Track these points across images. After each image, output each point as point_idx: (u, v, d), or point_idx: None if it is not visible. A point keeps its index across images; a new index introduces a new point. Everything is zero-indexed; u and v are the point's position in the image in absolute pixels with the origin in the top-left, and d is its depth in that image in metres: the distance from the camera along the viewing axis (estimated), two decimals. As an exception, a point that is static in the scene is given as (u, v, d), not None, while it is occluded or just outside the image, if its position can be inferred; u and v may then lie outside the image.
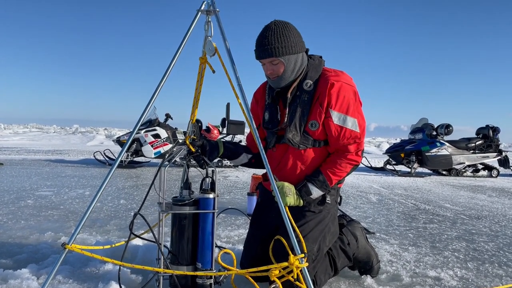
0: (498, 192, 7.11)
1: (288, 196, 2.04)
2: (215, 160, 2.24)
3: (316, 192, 2.09)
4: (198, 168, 2.14)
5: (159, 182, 2.02)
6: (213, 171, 2.02)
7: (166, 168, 2.02)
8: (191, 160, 2.14)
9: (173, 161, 2.11)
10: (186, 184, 2.03)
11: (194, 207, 1.98)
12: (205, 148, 2.15)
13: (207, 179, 2.02)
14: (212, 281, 1.99)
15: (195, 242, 2.00)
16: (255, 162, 2.37)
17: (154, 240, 2.08)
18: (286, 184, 2.07)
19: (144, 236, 2.86)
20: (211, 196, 1.99)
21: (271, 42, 2.00)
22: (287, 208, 1.92)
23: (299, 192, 2.08)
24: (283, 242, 1.98)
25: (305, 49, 2.14)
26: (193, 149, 2.10)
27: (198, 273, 1.95)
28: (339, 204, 2.32)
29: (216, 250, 2.13)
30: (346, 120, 2.04)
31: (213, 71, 2.14)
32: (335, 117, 2.04)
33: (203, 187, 2.02)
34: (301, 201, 2.08)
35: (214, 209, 1.99)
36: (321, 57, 2.21)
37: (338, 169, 2.07)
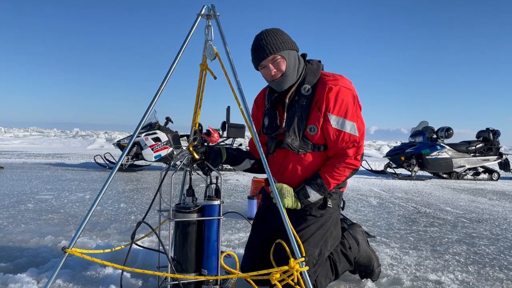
0: (499, 195, 7.10)
1: (286, 198, 2.04)
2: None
3: (314, 195, 2.09)
4: (202, 175, 2.14)
5: (159, 188, 2.02)
6: (217, 177, 2.02)
7: (167, 173, 2.02)
8: (194, 166, 2.14)
9: (178, 167, 2.11)
10: (190, 191, 2.03)
11: (199, 214, 1.98)
12: (208, 154, 2.15)
13: (212, 185, 2.02)
14: (217, 287, 1.99)
15: (200, 248, 2.00)
16: (257, 168, 2.37)
17: (157, 248, 2.08)
18: (284, 186, 2.07)
19: (146, 242, 2.85)
20: (216, 202, 1.99)
21: (269, 41, 2.02)
22: (285, 210, 1.92)
23: (297, 194, 2.08)
24: (284, 246, 1.97)
25: (298, 49, 2.15)
26: (197, 156, 2.10)
27: (203, 277, 1.95)
28: (342, 208, 2.31)
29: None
30: (344, 124, 2.04)
31: (215, 78, 2.15)
32: (333, 121, 2.04)
33: (208, 194, 2.01)
34: (299, 203, 2.08)
35: (219, 215, 1.99)
36: (319, 61, 2.21)
37: (336, 172, 2.07)
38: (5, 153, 13.69)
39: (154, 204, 2.03)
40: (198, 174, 2.18)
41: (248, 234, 2.48)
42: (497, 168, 10.35)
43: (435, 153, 9.44)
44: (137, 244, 2.15)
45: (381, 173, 10.35)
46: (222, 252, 2.10)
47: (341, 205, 2.30)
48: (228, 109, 9.20)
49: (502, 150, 10.41)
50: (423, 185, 8.32)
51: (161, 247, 2.02)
